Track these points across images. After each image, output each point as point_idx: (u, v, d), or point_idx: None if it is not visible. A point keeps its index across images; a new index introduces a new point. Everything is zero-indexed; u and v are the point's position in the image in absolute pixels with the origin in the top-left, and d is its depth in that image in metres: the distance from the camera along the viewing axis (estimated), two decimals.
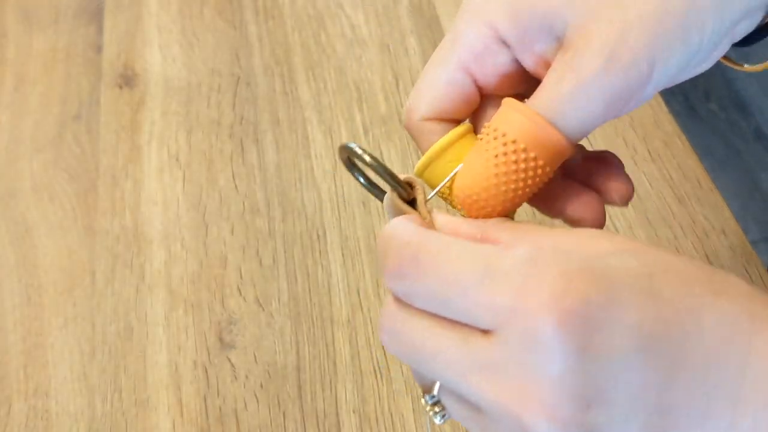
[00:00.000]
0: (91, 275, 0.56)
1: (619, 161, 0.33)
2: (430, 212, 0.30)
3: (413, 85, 0.34)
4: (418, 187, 0.30)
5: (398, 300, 0.27)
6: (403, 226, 0.27)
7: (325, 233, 0.56)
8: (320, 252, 0.55)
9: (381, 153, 0.60)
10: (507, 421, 0.24)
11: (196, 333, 0.52)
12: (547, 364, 0.23)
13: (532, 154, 0.28)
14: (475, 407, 0.25)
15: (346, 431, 0.48)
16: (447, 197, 0.32)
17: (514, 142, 0.28)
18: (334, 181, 0.59)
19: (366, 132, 0.62)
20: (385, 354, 0.50)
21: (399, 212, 0.30)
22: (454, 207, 0.32)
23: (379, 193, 0.32)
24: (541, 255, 0.24)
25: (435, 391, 0.27)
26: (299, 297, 0.53)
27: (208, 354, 0.51)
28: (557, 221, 0.33)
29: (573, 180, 0.32)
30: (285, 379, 0.50)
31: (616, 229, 0.54)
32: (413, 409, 0.48)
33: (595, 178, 0.33)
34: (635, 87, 0.27)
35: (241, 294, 0.54)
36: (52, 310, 0.55)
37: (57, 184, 0.62)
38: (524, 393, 0.23)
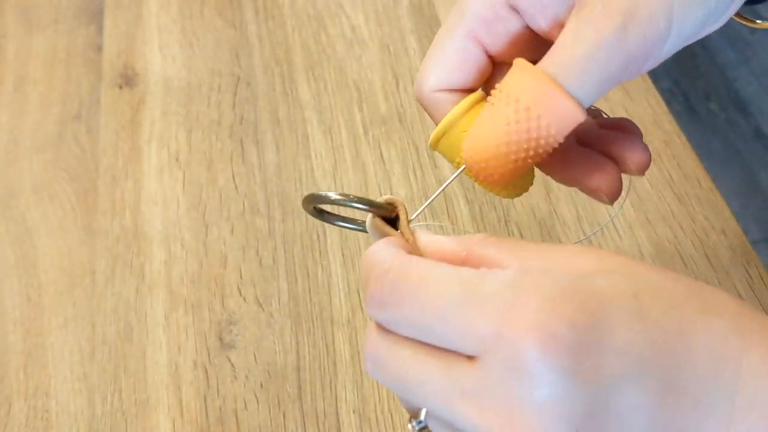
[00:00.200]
0: (91, 275, 0.56)
1: (637, 129, 0.32)
2: (413, 232, 0.29)
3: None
4: (399, 206, 0.30)
5: (381, 327, 0.27)
6: (382, 252, 0.27)
7: (325, 233, 0.56)
8: (320, 252, 0.56)
9: (381, 153, 0.60)
10: None
11: (196, 333, 0.52)
12: (533, 390, 0.23)
13: (544, 122, 0.27)
14: None
15: (346, 431, 0.48)
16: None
17: (527, 109, 0.27)
18: (334, 181, 0.59)
19: (366, 132, 0.62)
20: None
21: (383, 234, 0.30)
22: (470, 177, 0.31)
23: (363, 228, 0.31)
24: (525, 278, 0.24)
25: (422, 417, 0.27)
26: (299, 297, 0.53)
27: (208, 354, 0.51)
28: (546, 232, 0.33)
29: (590, 147, 0.32)
30: (285, 379, 0.50)
31: (616, 229, 0.55)
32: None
33: (612, 147, 0.32)
34: (653, 45, 0.26)
35: (241, 294, 0.54)
36: (52, 310, 0.55)
37: (57, 184, 0.62)
38: (511, 419, 0.23)
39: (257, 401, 0.49)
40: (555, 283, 0.24)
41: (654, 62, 0.27)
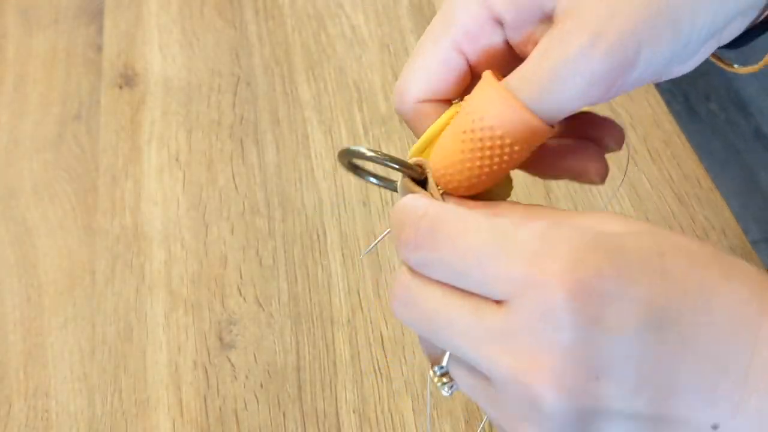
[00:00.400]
0: (91, 275, 0.56)
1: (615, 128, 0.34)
2: (442, 194, 0.30)
3: (393, 93, 0.34)
4: (428, 169, 0.30)
5: (412, 270, 0.27)
6: (417, 201, 0.28)
7: (325, 233, 0.56)
8: (320, 252, 0.55)
9: None
10: (515, 389, 0.24)
11: (196, 333, 0.52)
12: (557, 334, 0.23)
13: (498, 133, 0.27)
14: (483, 377, 0.26)
15: (346, 431, 0.48)
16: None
17: (481, 119, 0.28)
18: (334, 181, 0.59)
19: (366, 132, 0.62)
20: (385, 354, 0.50)
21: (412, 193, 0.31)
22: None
23: (392, 186, 0.32)
24: (556, 229, 0.25)
25: (444, 362, 0.28)
26: (299, 297, 0.53)
27: (208, 354, 0.51)
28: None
29: (568, 138, 0.33)
30: (285, 379, 0.50)
31: None
32: (413, 409, 0.48)
33: (588, 131, 0.33)
34: (619, 70, 0.27)
35: (241, 294, 0.54)
36: (52, 310, 0.55)
37: (57, 184, 0.62)
38: (534, 362, 0.24)
39: (257, 401, 0.49)
40: (583, 236, 0.24)
41: (619, 90, 0.28)
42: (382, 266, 0.54)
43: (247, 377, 0.50)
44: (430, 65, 0.31)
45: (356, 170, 0.32)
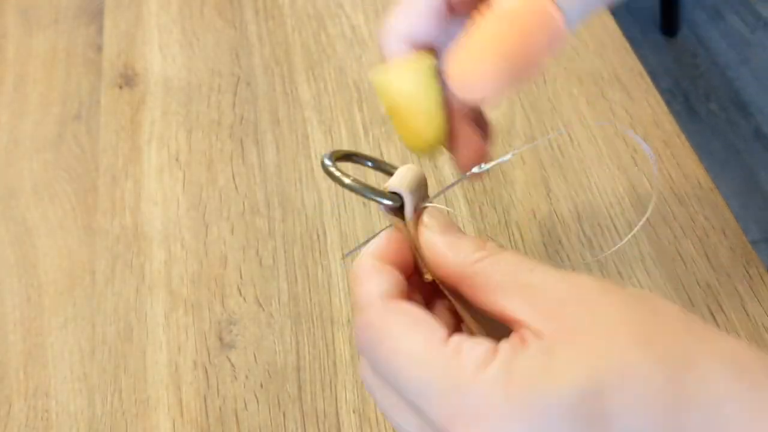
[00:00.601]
0: (91, 275, 0.56)
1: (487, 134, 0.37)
2: (419, 224, 0.29)
3: (380, 33, 0.35)
4: (405, 196, 0.29)
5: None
6: (364, 292, 0.27)
7: (325, 233, 0.56)
8: (320, 252, 0.56)
9: (381, 153, 0.60)
10: None
11: (196, 333, 0.52)
12: None
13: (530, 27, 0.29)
14: None
15: (346, 431, 0.48)
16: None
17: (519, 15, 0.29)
18: None
19: (366, 132, 0.62)
20: None
21: (390, 221, 0.30)
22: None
23: (368, 193, 0.31)
24: (513, 390, 0.23)
25: None
26: (299, 297, 0.53)
27: (208, 354, 0.51)
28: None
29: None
30: (285, 379, 0.50)
31: (616, 229, 0.54)
32: None
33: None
34: None
35: (241, 294, 0.54)
36: (52, 310, 0.55)
37: (57, 184, 0.62)
38: None
39: (257, 401, 0.49)
40: (546, 394, 0.23)
41: None
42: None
43: (247, 377, 0.50)
44: (419, 5, 0.32)
45: (335, 174, 0.31)
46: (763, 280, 0.51)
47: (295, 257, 0.55)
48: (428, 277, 0.29)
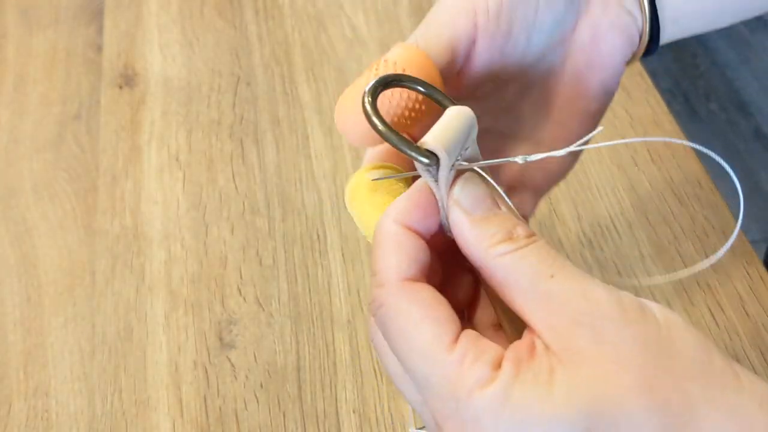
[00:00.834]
0: (91, 275, 0.56)
1: None
2: (449, 195, 0.27)
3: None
4: (441, 161, 0.26)
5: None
6: (383, 267, 0.26)
7: (325, 233, 0.56)
8: (320, 252, 0.55)
9: None
10: None
11: (196, 333, 0.52)
12: None
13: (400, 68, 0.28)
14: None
15: (346, 431, 0.48)
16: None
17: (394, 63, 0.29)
18: (334, 181, 0.59)
19: None
20: None
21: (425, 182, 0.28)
22: None
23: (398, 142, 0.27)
24: (506, 415, 0.24)
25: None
26: (299, 297, 0.53)
27: (208, 354, 0.51)
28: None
29: None
30: (285, 379, 0.50)
31: (616, 229, 0.55)
32: (413, 409, 0.48)
33: None
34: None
35: (241, 294, 0.54)
36: (52, 310, 0.55)
37: (57, 184, 0.62)
38: None
39: (257, 401, 0.49)
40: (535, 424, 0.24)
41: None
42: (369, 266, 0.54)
43: (247, 377, 0.50)
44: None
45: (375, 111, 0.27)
46: (763, 280, 0.51)
47: (295, 257, 0.55)
48: (452, 236, 0.28)
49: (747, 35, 1.67)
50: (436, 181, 0.27)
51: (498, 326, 0.29)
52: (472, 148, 0.27)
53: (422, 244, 0.27)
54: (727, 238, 0.53)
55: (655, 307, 0.25)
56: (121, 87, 0.67)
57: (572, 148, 0.28)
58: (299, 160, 0.61)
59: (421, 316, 0.25)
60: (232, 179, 0.60)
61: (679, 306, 0.51)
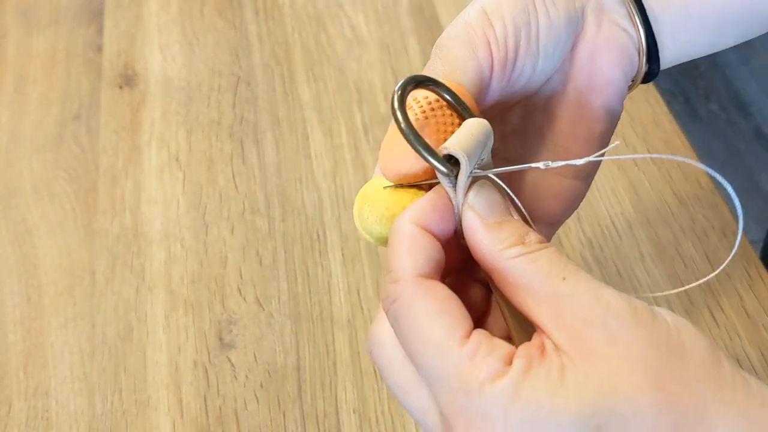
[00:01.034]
0: (91, 275, 0.56)
1: None
2: (465, 204, 0.27)
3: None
4: (462, 167, 0.26)
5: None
6: (401, 264, 0.27)
7: (325, 233, 0.56)
8: (320, 252, 0.56)
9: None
10: None
11: (196, 333, 0.52)
12: None
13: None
14: None
15: (346, 431, 0.48)
16: None
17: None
18: (334, 181, 0.59)
19: (366, 132, 0.62)
20: None
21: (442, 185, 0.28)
22: None
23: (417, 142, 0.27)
24: (516, 410, 0.24)
25: None
26: (299, 297, 0.53)
27: (208, 354, 0.51)
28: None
29: None
30: (285, 379, 0.50)
31: (616, 229, 0.55)
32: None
33: None
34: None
35: (241, 294, 0.54)
36: (52, 309, 0.55)
37: (57, 184, 0.62)
38: None
39: (257, 401, 0.49)
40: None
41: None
42: (382, 266, 0.54)
43: (247, 377, 0.50)
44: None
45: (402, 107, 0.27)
46: (762, 280, 0.51)
47: (295, 257, 0.55)
48: (464, 243, 0.28)
49: None
50: (454, 186, 0.27)
51: (508, 338, 0.29)
52: (487, 159, 0.28)
53: (438, 245, 0.27)
54: (727, 238, 0.53)
55: (665, 312, 0.25)
56: (121, 87, 0.67)
57: (592, 158, 0.28)
58: (299, 160, 0.61)
59: (436, 310, 0.25)
60: (232, 179, 0.60)
61: (679, 306, 0.51)
